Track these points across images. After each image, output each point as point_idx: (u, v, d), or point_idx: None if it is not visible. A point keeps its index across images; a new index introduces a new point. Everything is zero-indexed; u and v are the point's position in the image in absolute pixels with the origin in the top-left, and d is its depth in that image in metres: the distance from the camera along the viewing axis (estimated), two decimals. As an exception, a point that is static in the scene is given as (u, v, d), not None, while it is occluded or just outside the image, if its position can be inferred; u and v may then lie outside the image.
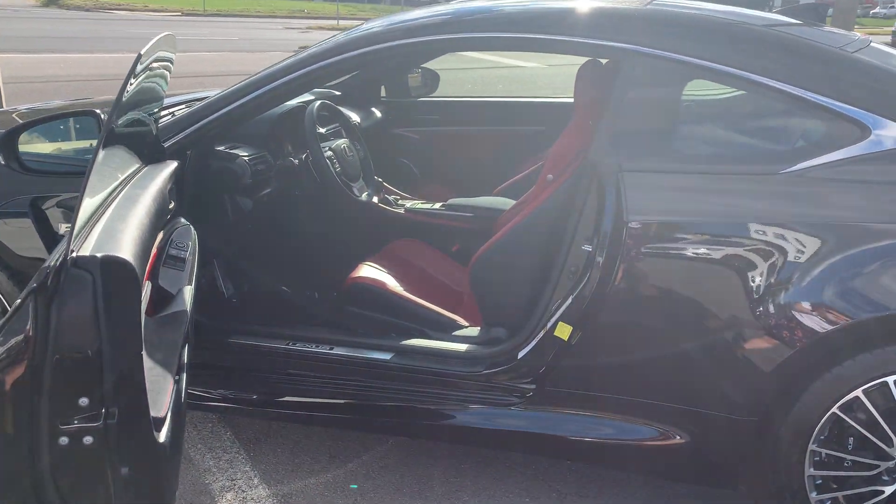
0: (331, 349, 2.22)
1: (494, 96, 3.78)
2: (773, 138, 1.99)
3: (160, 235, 1.74)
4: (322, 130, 2.73)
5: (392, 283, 2.45)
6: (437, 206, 2.90)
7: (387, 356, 2.19)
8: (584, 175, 2.06)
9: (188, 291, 1.72)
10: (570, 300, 2.00)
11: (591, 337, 1.98)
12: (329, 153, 2.47)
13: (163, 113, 2.32)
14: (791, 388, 1.80)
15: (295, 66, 2.14)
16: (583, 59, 2.30)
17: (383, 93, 3.76)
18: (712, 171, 1.86)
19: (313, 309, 2.42)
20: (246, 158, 2.27)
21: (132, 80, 1.49)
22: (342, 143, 2.59)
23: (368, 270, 2.48)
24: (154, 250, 1.68)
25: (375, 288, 2.37)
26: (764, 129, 2.00)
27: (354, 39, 2.13)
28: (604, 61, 2.33)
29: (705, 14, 2.07)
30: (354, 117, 3.18)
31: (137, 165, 1.85)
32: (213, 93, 2.28)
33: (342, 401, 2.22)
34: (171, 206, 1.86)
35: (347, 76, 3.51)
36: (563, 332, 2.00)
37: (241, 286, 2.58)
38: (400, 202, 3.00)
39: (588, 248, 1.97)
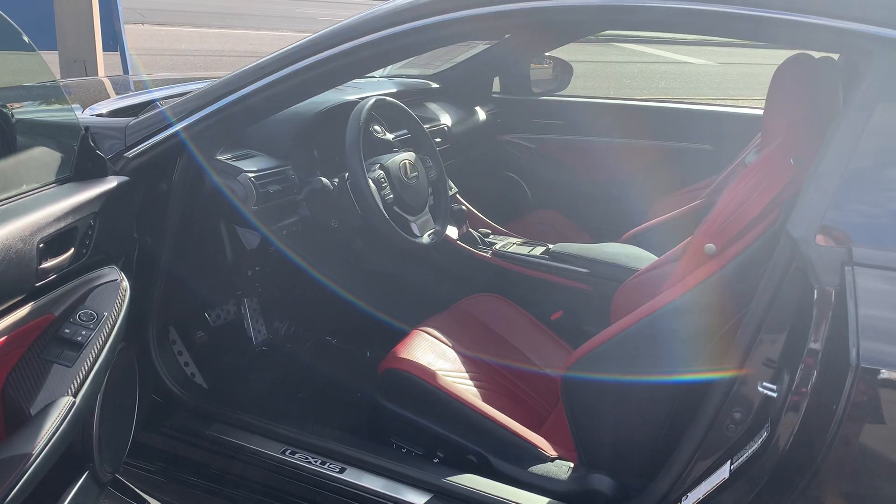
0: (341, 472, 1.49)
1: (641, 99, 2.78)
2: None
3: (26, 309, 1.05)
4: (389, 137, 1.98)
5: (446, 368, 1.67)
6: (540, 251, 2.07)
7: (420, 499, 1.42)
8: (773, 255, 1.17)
9: (62, 407, 1.03)
10: (725, 471, 1.15)
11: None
12: (378, 173, 1.71)
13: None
14: None
15: (345, 34, 1.39)
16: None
17: (497, 87, 2.96)
18: None
19: (332, 402, 1.69)
20: (252, 175, 1.56)
21: None
22: (404, 158, 1.82)
23: (417, 346, 1.71)
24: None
25: (417, 380, 1.59)
26: None
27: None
28: (819, 56, 1.41)
29: None
30: (445, 119, 2.41)
31: (36, 185, 1.18)
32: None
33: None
34: (69, 254, 1.17)
35: (450, 65, 2.76)
36: (706, 522, 1.15)
37: (235, 357, 1.94)
38: (490, 238, 2.19)
39: (772, 389, 1.10)
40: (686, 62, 12.54)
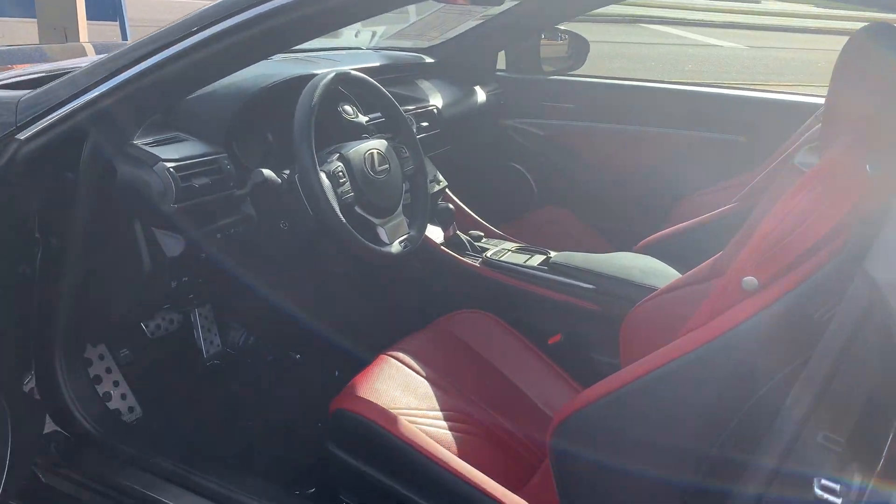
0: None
1: (666, 81, 2.39)
2: None
3: None
4: (363, 119, 1.67)
5: (413, 407, 1.36)
6: (539, 260, 1.75)
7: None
8: (840, 297, 0.85)
9: None
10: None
11: None
12: (336, 165, 1.38)
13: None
14: None
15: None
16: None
17: (503, 64, 2.61)
18: None
19: (286, 433, 1.40)
20: (171, 166, 1.25)
21: None
22: (371, 148, 1.48)
23: (380, 377, 1.41)
24: None
25: (373, 425, 1.28)
26: None
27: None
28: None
29: None
30: (436, 99, 2.08)
31: None
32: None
33: None
34: None
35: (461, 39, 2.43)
36: None
37: (180, 373, 1.67)
38: (483, 243, 1.87)
39: (833, 490, 0.80)
40: (715, 45, 12.09)
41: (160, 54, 1.17)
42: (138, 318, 1.44)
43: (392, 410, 1.31)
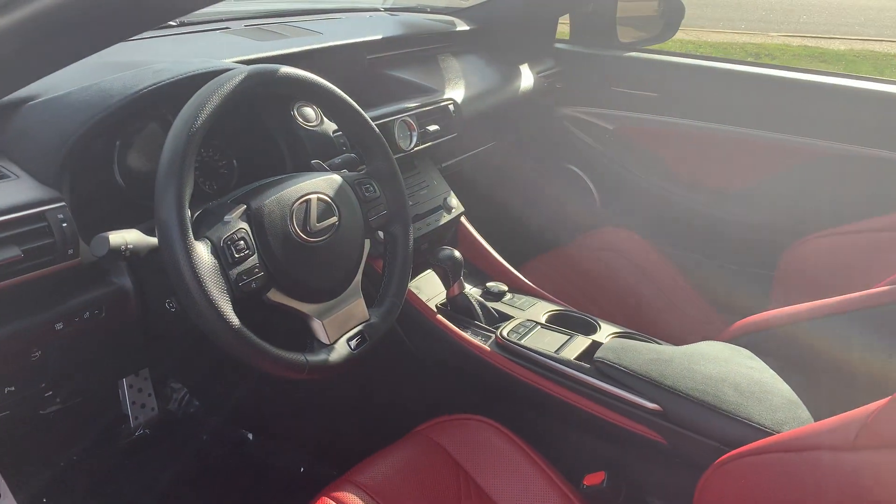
0: None
1: (783, 67, 1.69)
2: None
3: None
4: (329, 129, 1.13)
5: None
6: (580, 347, 1.17)
7: None
8: None
9: None
10: None
11: None
12: (233, 228, 0.77)
13: None
14: None
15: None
16: None
17: (564, 33, 2.00)
18: None
19: None
20: None
21: None
22: (307, 192, 0.87)
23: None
24: None
25: None
26: None
27: None
28: None
29: None
30: (454, 90, 1.49)
31: None
32: None
33: None
34: None
35: None
36: None
37: (96, 451, 1.25)
38: (504, 304, 1.31)
39: None
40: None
41: None
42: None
43: None
